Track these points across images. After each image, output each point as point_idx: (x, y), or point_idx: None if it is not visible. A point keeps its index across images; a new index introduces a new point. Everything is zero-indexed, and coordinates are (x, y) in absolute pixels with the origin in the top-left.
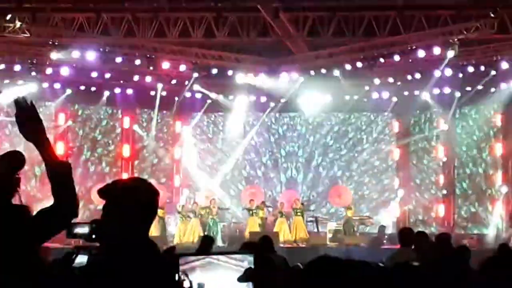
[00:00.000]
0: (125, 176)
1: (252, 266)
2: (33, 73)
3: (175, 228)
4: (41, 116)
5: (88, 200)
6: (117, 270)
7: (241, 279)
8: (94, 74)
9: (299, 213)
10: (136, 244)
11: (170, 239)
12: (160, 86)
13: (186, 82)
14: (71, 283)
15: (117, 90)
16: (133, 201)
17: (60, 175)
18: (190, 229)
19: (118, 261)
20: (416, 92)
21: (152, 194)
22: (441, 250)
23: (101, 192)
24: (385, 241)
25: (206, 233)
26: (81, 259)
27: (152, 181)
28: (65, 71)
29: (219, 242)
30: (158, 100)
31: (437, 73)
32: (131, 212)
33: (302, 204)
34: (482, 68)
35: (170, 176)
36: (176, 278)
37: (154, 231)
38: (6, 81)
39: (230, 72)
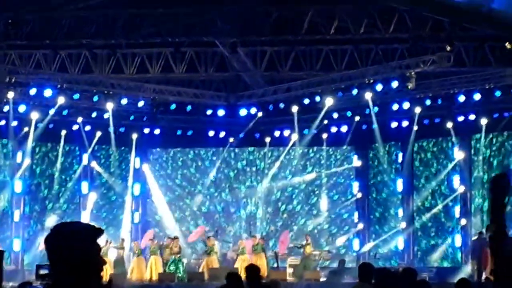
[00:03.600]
0: (83, 213)
1: None
2: None
3: (130, 264)
4: None
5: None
6: None
7: None
8: (51, 111)
9: (259, 250)
10: None
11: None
12: (118, 122)
13: (145, 118)
14: None
15: (75, 127)
16: (70, 250)
17: None
18: (149, 266)
19: None
20: (374, 126)
21: (91, 240)
22: (405, 285)
23: (44, 242)
24: (345, 275)
25: (166, 269)
26: None
27: (110, 218)
28: (22, 108)
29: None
30: (116, 136)
31: (394, 106)
32: (71, 262)
33: (262, 238)
34: (440, 101)
35: (129, 213)
36: None
37: (110, 269)
38: None
39: (188, 107)
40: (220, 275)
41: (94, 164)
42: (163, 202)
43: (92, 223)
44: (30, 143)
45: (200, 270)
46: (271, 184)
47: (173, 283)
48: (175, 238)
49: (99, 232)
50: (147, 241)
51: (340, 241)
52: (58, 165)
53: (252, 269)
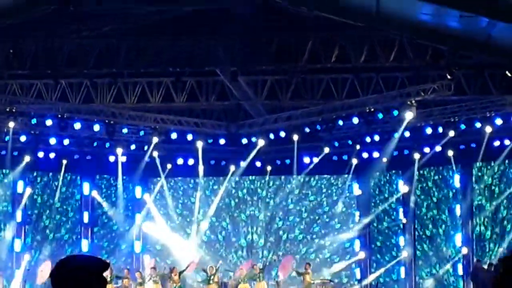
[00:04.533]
0: (84, 243)
1: None
2: None
3: None
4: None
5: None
6: None
7: None
8: (52, 141)
9: (260, 279)
10: None
11: None
12: (119, 151)
13: (146, 147)
14: None
15: (76, 156)
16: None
17: None
18: None
19: None
20: (376, 154)
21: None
22: None
23: (50, 276)
24: None
25: None
26: None
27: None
28: (23, 138)
29: None
30: (118, 165)
31: (396, 135)
32: None
33: (262, 269)
34: (440, 129)
35: (130, 242)
36: None
37: None
38: None
39: (189, 137)
40: None
41: (95, 193)
42: (164, 231)
43: (97, 256)
44: (31, 172)
45: None
46: (273, 213)
47: None
48: (174, 268)
49: (106, 265)
50: (149, 270)
51: (337, 267)
52: (58, 194)
53: None
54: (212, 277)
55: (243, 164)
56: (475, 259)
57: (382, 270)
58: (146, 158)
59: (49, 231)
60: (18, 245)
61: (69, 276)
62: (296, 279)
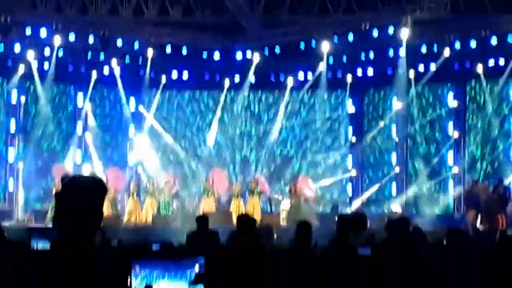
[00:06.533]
0: (78, 152)
1: (202, 270)
2: None
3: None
4: None
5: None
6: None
7: (192, 283)
8: (47, 52)
9: (256, 194)
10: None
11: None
12: (114, 63)
13: (140, 60)
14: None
15: (70, 68)
16: (83, 202)
17: None
18: (145, 208)
19: (74, 254)
20: (370, 72)
21: (101, 193)
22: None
23: (57, 196)
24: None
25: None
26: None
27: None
28: (17, 48)
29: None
30: (110, 78)
31: (391, 53)
32: (82, 211)
33: (256, 181)
34: (435, 48)
35: (124, 154)
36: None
37: (105, 210)
38: None
39: (184, 51)
40: (217, 219)
41: (88, 105)
42: (158, 145)
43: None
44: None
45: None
46: (266, 129)
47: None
48: (168, 182)
49: (106, 189)
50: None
51: (328, 182)
52: (53, 105)
53: (245, 220)
54: (209, 189)
55: (237, 79)
56: (470, 180)
57: (376, 186)
58: (140, 71)
59: (43, 141)
60: (11, 155)
61: (79, 197)
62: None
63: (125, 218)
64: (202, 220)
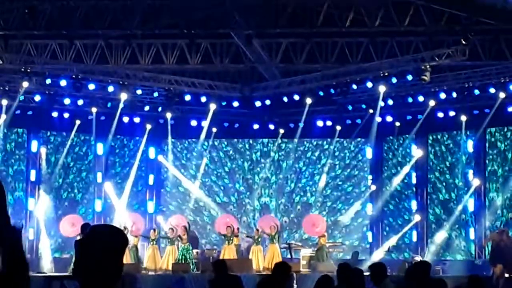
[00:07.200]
0: (97, 202)
1: None
2: (5, 100)
3: (145, 253)
4: (14, 144)
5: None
6: None
7: None
8: (67, 101)
9: (274, 240)
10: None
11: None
12: (133, 112)
13: (159, 109)
14: None
15: (90, 117)
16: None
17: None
18: (165, 255)
19: None
20: (389, 119)
21: (122, 243)
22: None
23: (79, 245)
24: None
25: (179, 259)
26: None
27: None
28: (37, 98)
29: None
30: (130, 126)
31: (409, 99)
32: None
33: (277, 231)
34: (454, 94)
35: (143, 202)
36: None
37: (127, 259)
38: None
39: (203, 99)
40: (237, 267)
41: (108, 154)
42: (177, 192)
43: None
44: (45, 132)
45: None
46: (285, 176)
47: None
48: (183, 226)
49: (127, 239)
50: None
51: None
52: (73, 154)
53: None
54: (232, 238)
55: (256, 126)
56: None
57: (396, 237)
58: (160, 119)
59: (63, 190)
60: (32, 204)
61: (100, 246)
62: (308, 242)
63: (145, 266)
64: (219, 265)
